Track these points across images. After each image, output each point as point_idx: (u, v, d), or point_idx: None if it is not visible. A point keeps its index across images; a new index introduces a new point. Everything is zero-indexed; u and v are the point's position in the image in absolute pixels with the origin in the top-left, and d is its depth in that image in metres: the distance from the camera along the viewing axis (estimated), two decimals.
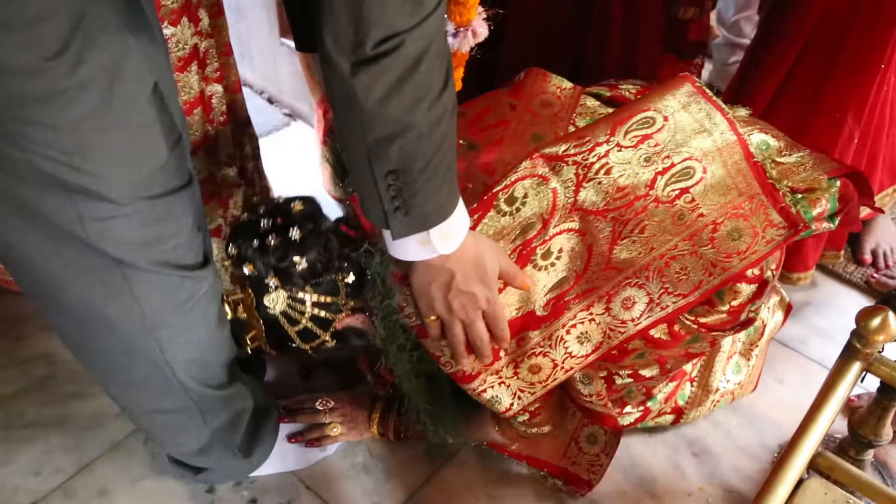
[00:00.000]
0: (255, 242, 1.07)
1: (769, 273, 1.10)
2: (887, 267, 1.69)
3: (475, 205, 1.06)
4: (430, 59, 0.79)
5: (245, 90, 1.57)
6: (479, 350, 1.04)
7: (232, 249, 1.09)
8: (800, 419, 0.97)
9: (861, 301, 1.65)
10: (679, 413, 1.35)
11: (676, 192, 1.08)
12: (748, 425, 1.42)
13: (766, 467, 1.35)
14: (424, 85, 0.80)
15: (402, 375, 1.15)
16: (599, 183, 1.08)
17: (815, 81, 1.42)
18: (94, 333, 1.00)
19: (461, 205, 0.93)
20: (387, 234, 0.91)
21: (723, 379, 1.36)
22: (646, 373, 1.17)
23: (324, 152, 1.77)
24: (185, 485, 1.30)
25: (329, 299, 1.11)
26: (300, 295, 1.10)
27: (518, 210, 1.07)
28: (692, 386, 1.35)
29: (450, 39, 1.12)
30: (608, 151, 1.09)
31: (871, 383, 1.12)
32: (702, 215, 1.06)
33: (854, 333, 1.01)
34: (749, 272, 1.06)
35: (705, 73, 1.99)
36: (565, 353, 1.08)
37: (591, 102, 1.22)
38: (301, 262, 1.07)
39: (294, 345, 1.15)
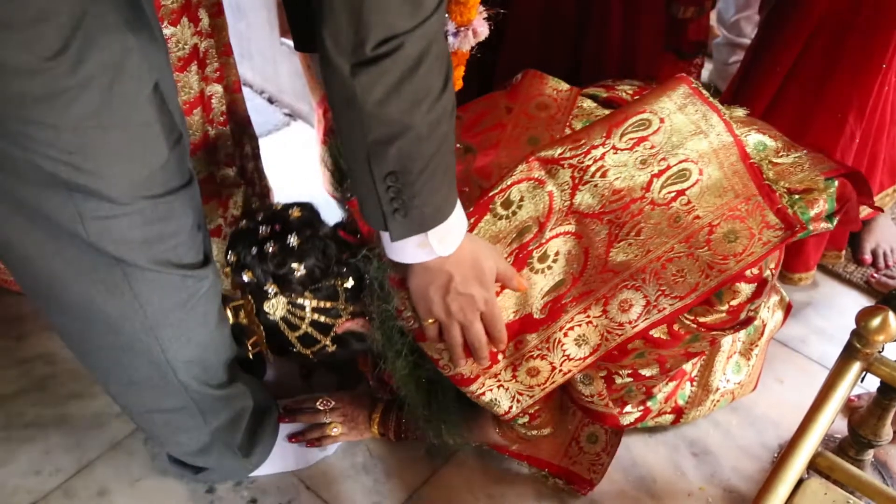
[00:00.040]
0: (254, 250, 1.08)
1: (768, 272, 1.10)
2: (887, 267, 1.69)
3: (471, 209, 1.06)
4: (430, 60, 0.79)
5: (245, 90, 1.57)
6: (477, 352, 1.04)
7: (231, 257, 1.10)
8: (800, 419, 0.97)
9: (861, 301, 1.65)
10: (679, 413, 1.35)
11: (672, 194, 1.07)
12: (748, 425, 1.42)
13: (766, 467, 1.35)
14: (424, 86, 0.80)
15: (400, 380, 1.15)
16: (595, 186, 1.08)
17: (816, 81, 1.41)
18: (95, 332, 1.00)
19: (459, 206, 0.93)
20: (385, 236, 0.91)
21: (723, 379, 1.36)
22: (645, 372, 1.17)
23: (324, 152, 1.77)
24: (184, 485, 1.30)
25: (329, 304, 1.12)
26: (300, 301, 1.10)
27: (514, 213, 1.07)
28: (692, 386, 1.35)
29: (451, 39, 1.12)
30: (604, 154, 1.09)
31: (871, 383, 1.12)
32: (698, 217, 1.06)
33: (854, 333, 1.01)
34: (748, 272, 1.06)
35: (705, 73, 1.99)
36: (563, 355, 1.08)
37: (588, 104, 1.22)
38: (299, 269, 1.07)
39: (295, 350, 1.15)
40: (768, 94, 1.47)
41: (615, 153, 1.10)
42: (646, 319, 1.07)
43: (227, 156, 1.44)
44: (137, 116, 0.85)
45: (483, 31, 1.13)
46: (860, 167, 1.51)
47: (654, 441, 1.39)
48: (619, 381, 1.18)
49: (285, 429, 1.32)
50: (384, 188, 0.84)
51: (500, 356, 1.09)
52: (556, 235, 1.09)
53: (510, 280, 1.03)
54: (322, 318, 1.12)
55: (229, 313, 1.12)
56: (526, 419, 1.16)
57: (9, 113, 0.78)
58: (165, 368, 1.04)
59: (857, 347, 1.00)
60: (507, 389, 1.10)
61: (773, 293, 1.41)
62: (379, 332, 1.10)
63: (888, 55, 1.37)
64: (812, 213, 1.08)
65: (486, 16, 1.13)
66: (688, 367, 1.32)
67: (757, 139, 1.15)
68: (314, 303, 1.11)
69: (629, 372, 1.16)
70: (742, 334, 1.37)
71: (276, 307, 1.10)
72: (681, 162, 1.09)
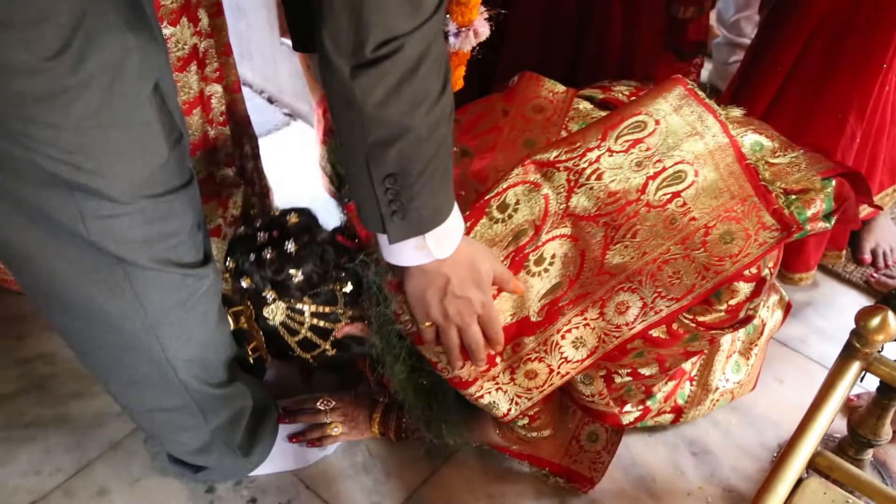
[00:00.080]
0: (252, 256, 1.08)
1: (766, 271, 1.10)
2: (887, 266, 1.69)
3: (467, 212, 1.06)
4: (430, 62, 0.79)
5: (245, 90, 1.57)
6: (474, 354, 1.04)
7: (229, 263, 1.11)
8: (799, 418, 0.97)
9: (861, 301, 1.65)
10: (679, 412, 1.35)
11: (668, 196, 1.08)
12: (747, 425, 1.42)
13: (766, 467, 1.35)
14: (424, 88, 0.80)
15: (398, 384, 1.15)
16: (591, 188, 1.08)
17: (816, 81, 1.42)
18: (96, 331, 1.00)
19: (456, 209, 0.93)
20: (383, 239, 0.91)
21: (722, 378, 1.36)
22: (645, 371, 1.17)
23: (323, 152, 1.77)
24: (184, 484, 1.30)
25: (327, 309, 1.12)
26: (299, 306, 1.10)
27: (510, 217, 1.07)
28: (692, 385, 1.35)
29: (452, 39, 1.12)
30: (599, 157, 1.09)
31: (871, 383, 1.12)
32: (693, 219, 1.06)
33: (853, 333, 1.01)
34: (746, 271, 1.06)
35: (705, 73, 1.99)
36: (561, 358, 1.08)
37: (585, 105, 1.22)
38: (297, 275, 1.07)
39: (295, 354, 1.16)
40: (768, 94, 1.47)
41: (611, 155, 1.10)
42: (643, 321, 1.07)
43: (227, 156, 1.44)
44: (138, 116, 0.85)
45: (484, 31, 1.13)
46: (860, 167, 1.51)
47: (654, 440, 1.39)
48: (618, 380, 1.18)
49: (285, 429, 1.32)
50: (382, 190, 0.84)
51: (497, 359, 1.09)
52: (552, 238, 1.09)
53: (506, 283, 1.03)
54: (321, 323, 1.12)
55: (230, 319, 1.13)
56: (526, 421, 1.16)
57: (9, 112, 0.78)
58: (166, 367, 1.04)
59: (856, 347, 1.00)
60: (505, 392, 1.10)
61: (772, 292, 1.41)
62: (377, 336, 1.10)
63: (888, 55, 1.37)
64: (809, 213, 1.08)
65: (487, 16, 1.13)
66: (687, 366, 1.32)
67: (753, 139, 1.15)
68: (313, 308, 1.11)
69: (628, 371, 1.17)
70: (741, 334, 1.37)
71: (275, 313, 1.10)
72: (676, 164, 1.09)
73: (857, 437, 1.18)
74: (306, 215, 1.14)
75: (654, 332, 1.08)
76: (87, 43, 0.77)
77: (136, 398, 1.12)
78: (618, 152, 1.10)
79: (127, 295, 0.95)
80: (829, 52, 1.38)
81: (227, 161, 1.44)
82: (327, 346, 1.15)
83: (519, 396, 1.11)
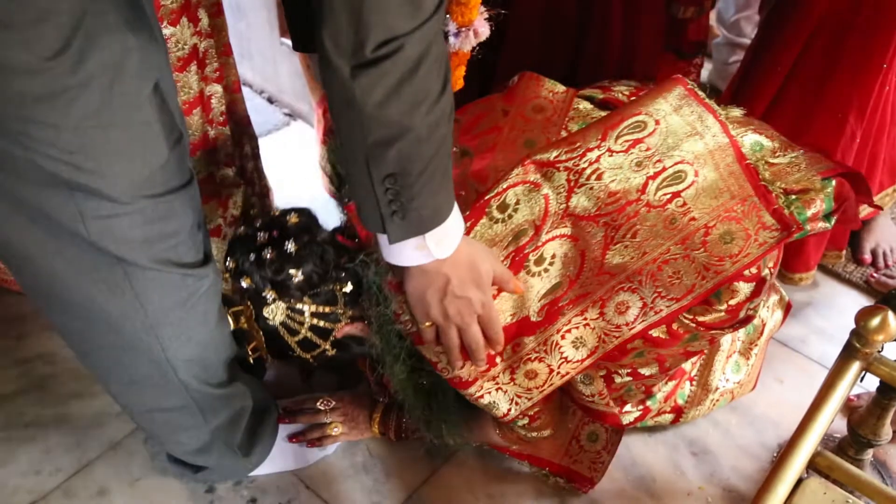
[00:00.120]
0: (252, 256, 1.08)
1: (766, 271, 1.10)
2: (887, 266, 1.69)
3: (467, 212, 1.06)
4: (430, 62, 0.79)
5: (245, 90, 1.57)
6: (474, 354, 1.04)
7: (229, 263, 1.11)
8: (799, 418, 0.98)
9: (861, 301, 1.65)
10: (678, 412, 1.35)
11: (668, 196, 1.08)
12: (747, 425, 1.42)
13: (766, 467, 1.35)
14: (424, 88, 0.80)
15: (398, 384, 1.15)
16: (591, 188, 1.08)
17: (816, 81, 1.42)
18: (96, 331, 1.00)
19: (456, 209, 0.93)
20: (383, 239, 0.91)
21: (722, 378, 1.36)
22: (645, 371, 1.17)
23: (323, 152, 1.77)
24: (184, 484, 1.30)
25: (327, 309, 1.12)
26: (299, 306, 1.11)
27: (510, 217, 1.07)
28: (692, 385, 1.35)
29: (452, 39, 1.12)
30: (599, 157, 1.09)
31: (871, 383, 1.12)
32: (693, 219, 1.06)
33: (853, 333, 1.01)
34: (746, 271, 1.06)
35: (705, 73, 1.99)
36: (561, 358, 1.08)
37: (584, 105, 1.22)
38: (297, 275, 1.08)
39: (295, 354, 1.16)
40: (768, 95, 1.47)
41: (610, 155, 1.10)
42: (643, 321, 1.07)
43: (227, 156, 1.44)
44: (138, 116, 0.85)
45: (484, 31, 1.13)
46: (860, 167, 1.51)
47: (654, 440, 1.39)
48: (618, 380, 1.18)
49: (285, 428, 1.32)
50: (382, 190, 0.84)
51: (497, 359, 1.09)
52: (552, 238, 1.09)
53: (506, 283, 1.04)
54: (321, 323, 1.12)
55: (230, 319, 1.13)
56: (526, 421, 1.16)
57: (9, 112, 0.78)
58: (166, 367, 1.04)
59: (856, 347, 1.00)
60: (505, 392, 1.10)
61: (772, 292, 1.41)
62: (377, 337, 1.10)
63: (888, 55, 1.37)
64: (809, 213, 1.09)
65: (487, 16, 1.13)
66: (687, 366, 1.32)
67: (753, 139, 1.15)
68: (313, 308, 1.11)
69: (628, 371, 1.17)
70: (741, 333, 1.37)
71: (275, 313, 1.10)
72: (676, 164, 1.09)
73: (857, 437, 1.18)
74: (306, 215, 1.14)
75: (655, 332, 1.08)
76: (87, 43, 0.77)
77: (136, 398, 1.12)
78: (618, 152, 1.10)
79: (127, 295, 0.95)
80: (829, 52, 1.38)
81: (227, 161, 1.44)
82: (327, 346, 1.15)
83: (519, 396, 1.11)
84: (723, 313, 1.09)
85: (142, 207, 0.89)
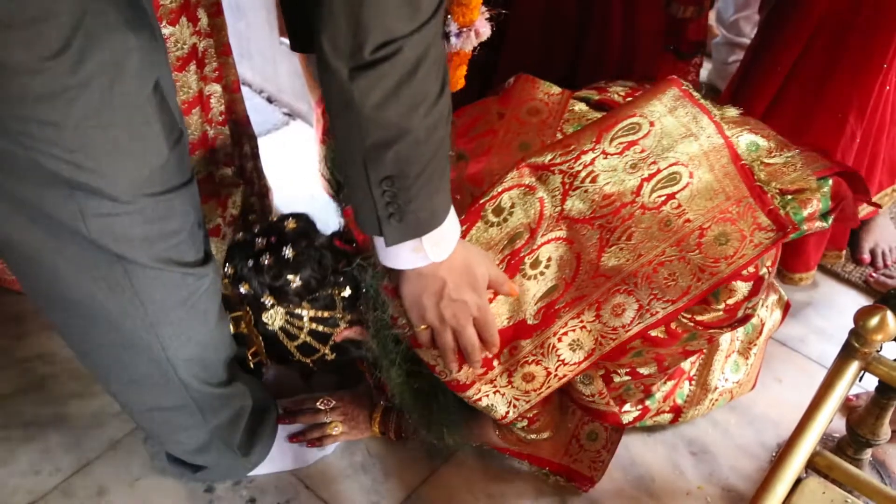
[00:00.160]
0: (250, 262, 1.09)
1: (764, 270, 1.10)
2: (886, 266, 1.69)
3: (463, 216, 1.06)
4: (428, 64, 0.79)
5: (244, 89, 1.57)
6: (470, 357, 1.04)
7: (228, 269, 1.11)
8: (798, 418, 0.98)
9: (860, 300, 1.65)
10: (678, 412, 1.35)
11: (663, 198, 1.08)
12: (747, 424, 1.42)
13: (765, 466, 1.35)
14: (422, 90, 0.80)
15: (395, 388, 1.15)
16: (586, 191, 1.08)
17: (816, 81, 1.42)
18: (96, 330, 1.00)
19: (453, 212, 0.93)
20: (379, 241, 0.91)
21: (721, 378, 1.36)
22: (644, 370, 1.17)
23: (322, 152, 1.77)
24: (183, 484, 1.30)
25: (326, 314, 1.12)
26: (297, 311, 1.11)
27: (505, 220, 1.07)
28: (691, 385, 1.35)
29: (453, 39, 1.12)
30: (594, 159, 1.09)
31: (870, 382, 1.12)
32: (688, 221, 1.06)
33: (852, 333, 1.01)
34: (744, 271, 1.06)
35: (705, 73, 1.99)
36: (558, 360, 1.08)
37: (580, 107, 1.21)
38: (295, 281, 1.08)
39: (294, 358, 1.16)
40: (768, 94, 1.47)
41: (605, 158, 1.10)
42: (639, 323, 1.07)
43: (226, 155, 1.44)
44: (138, 115, 0.85)
45: (485, 31, 1.14)
46: (860, 167, 1.51)
47: (653, 440, 1.39)
48: (617, 379, 1.18)
49: (285, 429, 1.32)
50: (380, 192, 0.84)
51: (495, 362, 1.09)
52: (548, 241, 1.09)
53: (502, 285, 1.04)
54: (320, 328, 1.13)
55: (230, 325, 1.13)
56: (525, 423, 1.16)
57: (10, 112, 0.78)
58: (166, 366, 1.04)
59: (855, 347, 1.00)
60: (503, 395, 1.10)
61: (770, 292, 1.41)
62: (374, 341, 1.10)
63: (888, 55, 1.37)
64: (805, 213, 1.08)
65: (488, 16, 1.13)
66: (686, 366, 1.32)
67: (749, 139, 1.15)
68: (312, 312, 1.11)
69: (627, 370, 1.17)
70: (740, 333, 1.37)
71: (274, 318, 1.11)
72: (671, 165, 1.09)
73: (855, 437, 1.18)
74: (304, 220, 1.14)
75: (653, 332, 1.08)
76: (87, 43, 0.77)
77: (136, 397, 1.12)
78: (612, 154, 1.10)
79: (127, 293, 0.95)
80: (829, 52, 1.38)
81: (227, 161, 1.44)
82: (326, 351, 1.15)
83: (517, 399, 1.11)
84: (721, 312, 1.09)
85: (142, 206, 0.89)
